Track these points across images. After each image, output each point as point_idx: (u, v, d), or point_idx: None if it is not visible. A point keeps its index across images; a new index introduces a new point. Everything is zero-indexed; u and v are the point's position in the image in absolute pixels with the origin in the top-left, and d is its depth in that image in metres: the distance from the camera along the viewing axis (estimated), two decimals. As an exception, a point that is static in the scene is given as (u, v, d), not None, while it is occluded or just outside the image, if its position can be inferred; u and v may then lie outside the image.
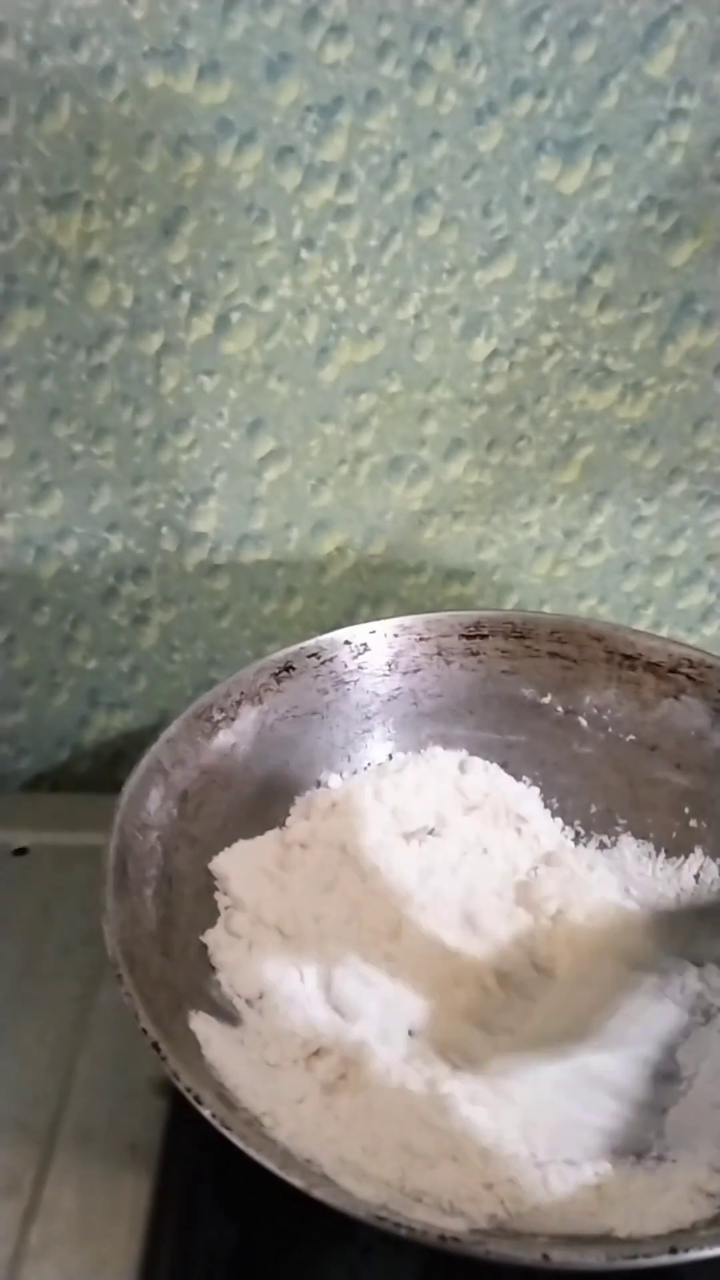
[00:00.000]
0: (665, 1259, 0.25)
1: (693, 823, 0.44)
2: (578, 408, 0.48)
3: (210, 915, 0.40)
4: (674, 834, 0.44)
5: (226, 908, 0.40)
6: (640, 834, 0.45)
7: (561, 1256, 0.25)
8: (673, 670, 0.44)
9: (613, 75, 0.42)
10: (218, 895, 0.41)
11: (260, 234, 0.45)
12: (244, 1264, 0.39)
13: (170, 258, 0.45)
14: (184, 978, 0.37)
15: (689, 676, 0.43)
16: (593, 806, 0.46)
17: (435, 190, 0.44)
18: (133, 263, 0.45)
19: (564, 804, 0.46)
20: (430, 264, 0.45)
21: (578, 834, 0.46)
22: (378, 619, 0.48)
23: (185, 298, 0.46)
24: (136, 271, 0.46)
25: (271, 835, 0.43)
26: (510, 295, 0.46)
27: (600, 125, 0.43)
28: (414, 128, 0.43)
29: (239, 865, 0.41)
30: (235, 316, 0.46)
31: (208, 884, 0.41)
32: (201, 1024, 0.36)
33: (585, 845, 0.45)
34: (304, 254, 0.45)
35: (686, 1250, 0.25)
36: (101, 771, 0.57)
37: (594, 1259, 0.25)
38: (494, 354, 0.47)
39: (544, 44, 0.42)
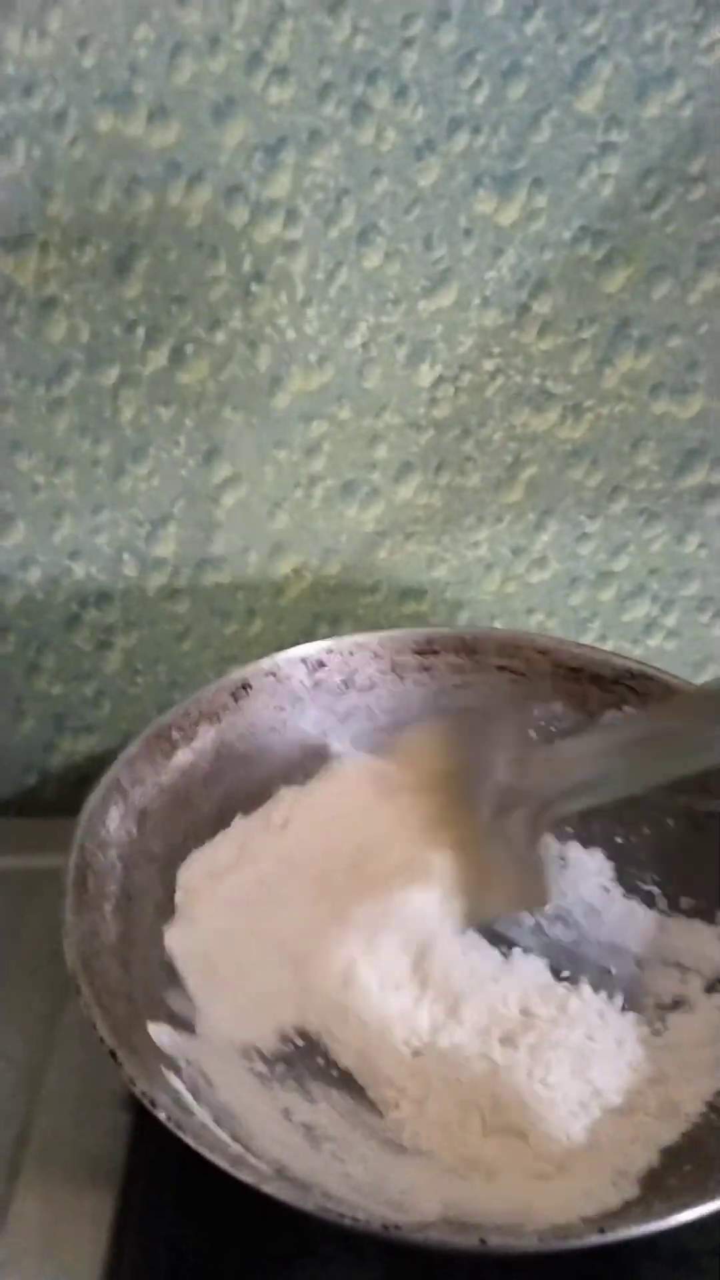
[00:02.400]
0: (595, 1239, 0.26)
1: (645, 829, 0.45)
2: (521, 430, 0.50)
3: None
4: (618, 839, 0.45)
5: (185, 921, 0.41)
6: (586, 843, 0.46)
7: (498, 1241, 0.26)
8: (615, 682, 0.45)
9: (544, 112, 0.44)
10: (178, 906, 0.42)
11: (211, 269, 0.47)
12: (210, 1273, 0.40)
13: (125, 294, 0.47)
14: (143, 990, 0.38)
15: (630, 688, 0.45)
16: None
17: (378, 224, 0.46)
18: (89, 299, 0.47)
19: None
20: (375, 295, 0.47)
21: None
22: (335, 637, 0.49)
23: (140, 332, 0.48)
24: (93, 308, 0.47)
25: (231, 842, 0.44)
26: (453, 323, 0.48)
27: (534, 160, 0.45)
28: (356, 165, 0.45)
29: (199, 877, 0.42)
30: (189, 349, 0.48)
31: (168, 899, 0.42)
32: (163, 1034, 0.37)
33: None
34: (254, 287, 0.47)
35: (614, 1230, 0.26)
36: (68, 795, 0.58)
37: (528, 1242, 0.26)
38: (439, 380, 0.49)
39: (478, 83, 0.44)
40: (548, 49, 0.43)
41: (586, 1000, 0.40)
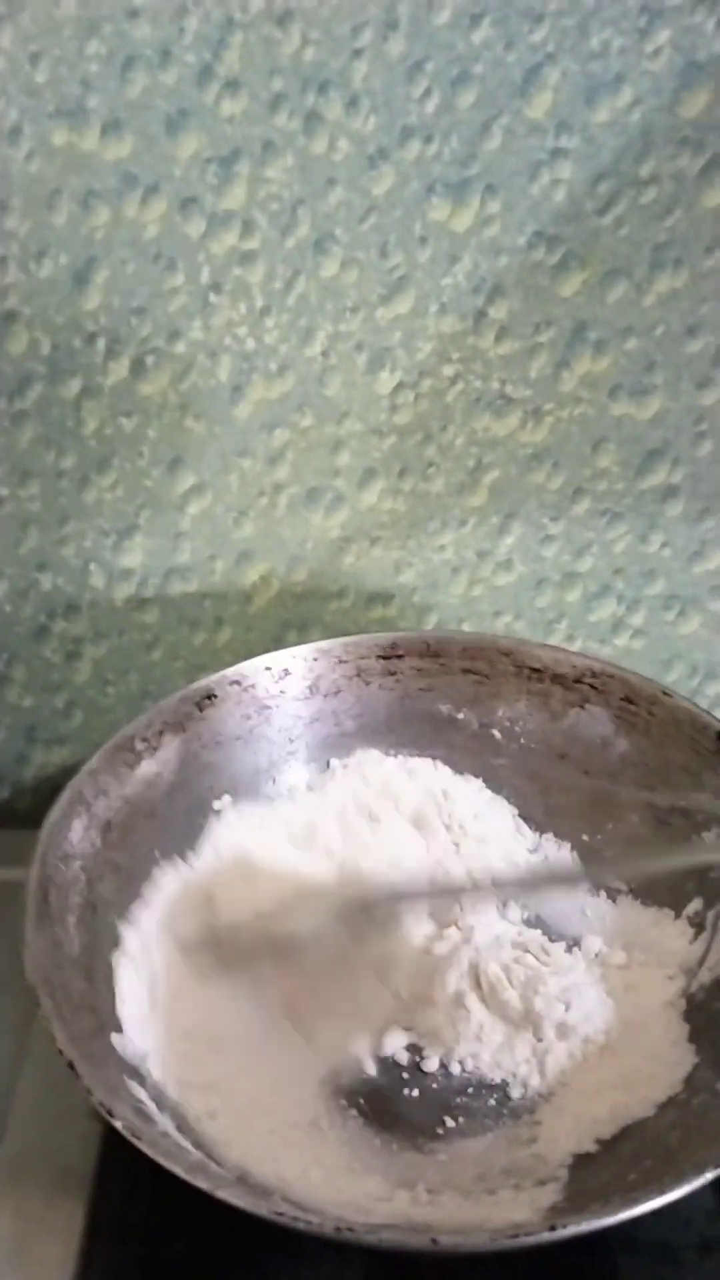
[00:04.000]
0: (546, 1235, 0.26)
1: (610, 826, 0.45)
2: (482, 434, 0.50)
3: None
4: (583, 836, 0.45)
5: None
6: (559, 838, 0.46)
7: (448, 1240, 0.26)
8: (577, 681, 0.45)
9: (495, 119, 0.44)
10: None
11: (169, 280, 0.47)
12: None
13: (84, 306, 0.47)
14: (108, 1001, 0.38)
15: (592, 686, 0.45)
16: (515, 812, 0.47)
17: (334, 233, 0.46)
18: (48, 312, 0.47)
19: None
20: (333, 303, 0.47)
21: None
22: (304, 644, 0.49)
23: (101, 343, 0.48)
24: (53, 320, 0.47)
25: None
26: (411, 330, 0.48)
27: (486, 166, 0.45)
28: (310, 175, 0.45)
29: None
30: (150, 360, 0.48)
31: (132, 910, 0.42)
32: (128, 1044, 0.37)
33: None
34: (212, 298, 0.47)
35: (565, 1226, 0.27)
36: (42, 807, 0.56)
37: (479, 1240, 0.27)
38: (399, 386, 0.49)
39: (428, 92, 0.44)
40: (496, 57, 0.43)
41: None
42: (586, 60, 0.43)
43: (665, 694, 0.44)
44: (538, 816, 0.46)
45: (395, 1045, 0.40)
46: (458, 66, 0.44)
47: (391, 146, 0.45)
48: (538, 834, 0.47)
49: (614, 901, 0.44)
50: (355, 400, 0.49)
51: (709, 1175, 0.29)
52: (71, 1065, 0.32)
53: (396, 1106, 0.39)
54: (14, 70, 0.43)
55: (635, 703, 0.44)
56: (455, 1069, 0.39)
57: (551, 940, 0.43)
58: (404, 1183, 0.34)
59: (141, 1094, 0.35)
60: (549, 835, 0.46)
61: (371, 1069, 0.39)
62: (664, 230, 0.46)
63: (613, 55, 0.43)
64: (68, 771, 0.57)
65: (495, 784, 0.47)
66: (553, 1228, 0.26)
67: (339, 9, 0.43)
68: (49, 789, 0.58)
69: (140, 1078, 0.36)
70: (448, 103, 0.44)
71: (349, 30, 0.43)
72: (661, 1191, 0.28)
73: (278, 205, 0.46)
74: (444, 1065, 0.39)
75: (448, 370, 0.49)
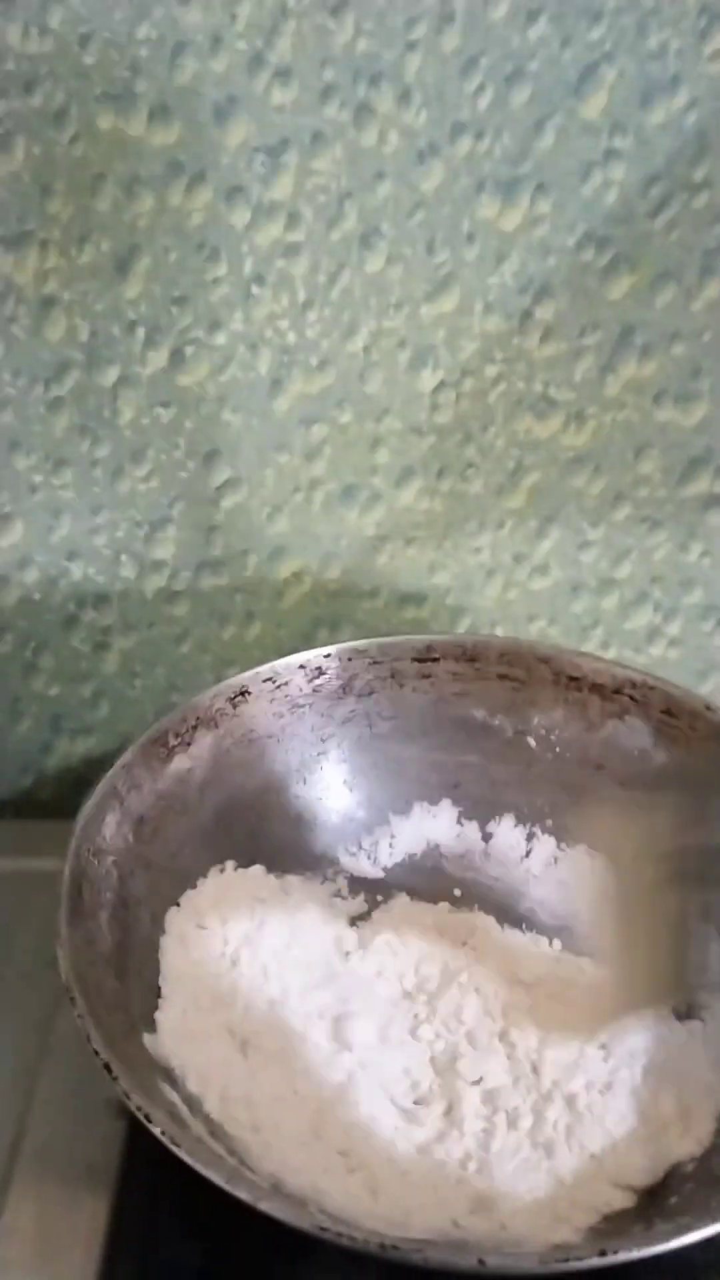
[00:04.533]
0: (596, 1261, 0.26)
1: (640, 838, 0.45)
2: (523, 436, 0.50)
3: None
4: (617, 850, 0.45)
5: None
6: (591, 849, 0.46)
7: (496, 1262, 0.26)
8: (616, 691, 0.45)
9: (548, 117, 0.44)
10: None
11: (212, 270, 0.46)
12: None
13: (125, 293, 0.46)
14: (139, 1000, 0.38)
15: (631, 697, 0.44)
16: (548, 821, 0.47)
17: (380, 228, 0.46)
18: (88, 299, 0.46)
19: (515, 821, 0.47)
20: (377, 299, 0.47)
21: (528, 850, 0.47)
22: (335, 642, 0.49)
23: (140, 332, 0.47)
24: (92, 307, 0.47)
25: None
26: (455, 329, 0.47)
27: (538, 165, 0.45)
28: (358, 168, 0.45)
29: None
30: (189, 350, 0.48)
31: (165, 908, 0.42)
32: (159, 1045, 0.36)
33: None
34: (255, 289, 0.47)
35: (615, 1252, 0.26)
36: (65, 797, 0.57)
37: (528, 1263, 0.26)
38: (441, 385, 0.49)
39: (481, 88, 0.43)
40: (551, 54, 0.43)
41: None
42: (644, 60, 0.43)
43: (708, 708, 0.43)
44: (571, 827, 0.46)
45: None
46: (512, 63, 0.43)
47: (442, 142, 0.44)
48: (569, 844, 0.46)
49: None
50: (396, 398, 0.49)
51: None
52: (108, 1069, 0.32)
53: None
54: (62, 52, 0.42)
55: (676, 716, 0.43)
56: None
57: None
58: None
59: (174, 1096, 0.34)
60: (582, 846, 0.46)
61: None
62: (715, 236, 0.46)
63: (670, 56, 0.43)
64: (91, 762, 0.57)
65: (529, 793, 0.47)
66: (603, 1252, 0.26)
67: (394, 0, 0.42)
68: (72, 779, 0.57)
69: (172, 1080, 0.35)
70: (501, 99, 0.43)
71: (403, 22, 0.42)
72: (715, 1219, 0.28)
73: (324, 197, 0.45)
74: None
75: (491, 370, 0.48)
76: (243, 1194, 0.29)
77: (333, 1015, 0.40)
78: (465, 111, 0.44)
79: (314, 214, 0.45)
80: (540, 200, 0.45)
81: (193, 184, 0.45)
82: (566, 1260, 0.26)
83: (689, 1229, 0.27)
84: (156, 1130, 0.30)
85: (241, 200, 0.45)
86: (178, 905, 0.42)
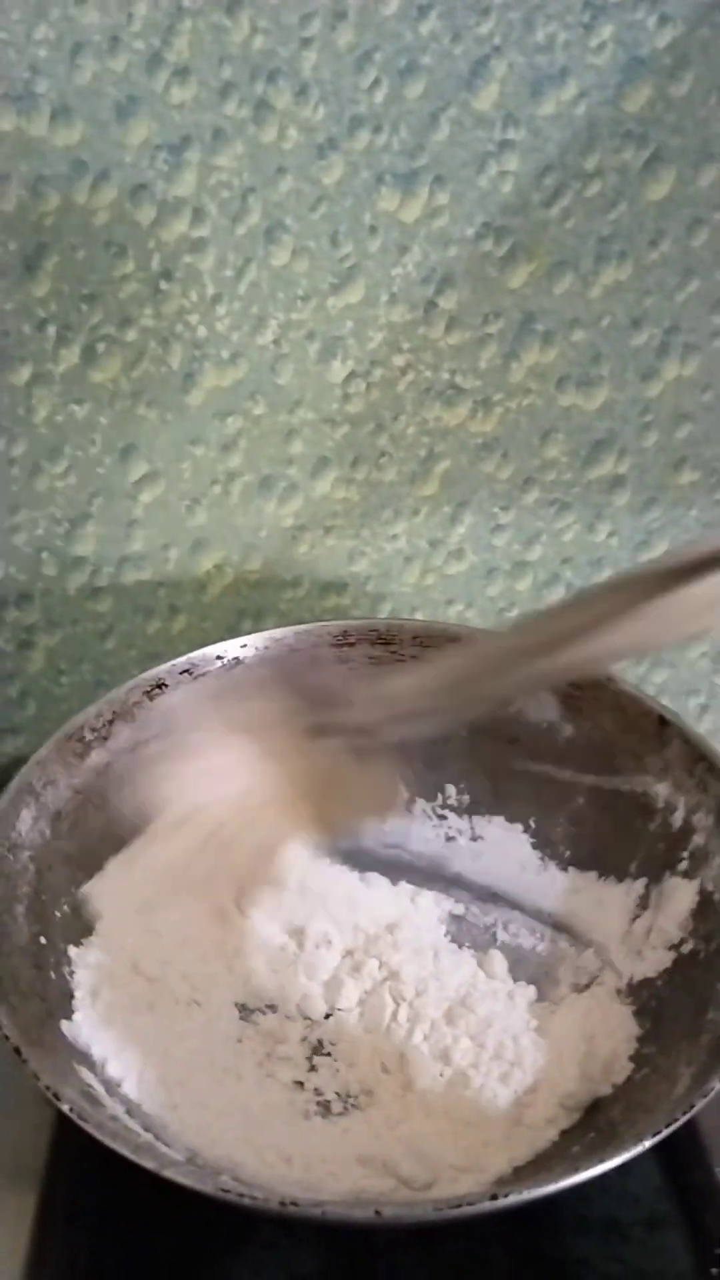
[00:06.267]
0: (488, 1205, 0.27)
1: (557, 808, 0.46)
2: (433, 424, 0.51)
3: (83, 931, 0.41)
4: (532, 820, 0.46)
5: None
6: (509, 821, 0.47)
7: (392, 1212, 0.27)
8: (524, 666, 0.46)
9: (443, 110, 0.45)
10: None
11: (120, 267, 0.47)
12: (139, 1270, 0.40)
13: (34, 292, 0.47)
14: (56, 989, 0.38)
15: (539, 673, 0.46)
16: (463, 798, 0.48)
17: (284, 222, 0.46)
18: (-2, 298, 0.47)
19: (434, 798, 0.49)
20: (285, 292, 0.48)
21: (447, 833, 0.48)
22: (258, 632, 0.49)
23: (51, 330, 0.48)
24: (2, 306, 0.47)
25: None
26: (362, 320, 0.48)
27: (434, 157, 0.46)
28: (260, 163, 0.45)
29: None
30: (101, 346, 0.48)
31: (83, 901, 0.42)
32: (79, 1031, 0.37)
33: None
34: (163, 285, 0.47)
35: (506, 1196, 0.27)
36: None
37: (422, 1211, 0.27)
38: (351, 375, 0.50)
39: (377, 82, 0.44)
40: (443, 49, 0.44)
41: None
42: (532, 54, 0.44)
43: (610, 680, 0.44)
44: (487, 800, 0.47)
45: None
46: (406, 57, 0.44)
47: (341, 136, 0.45)
48: (487, 817, 0.47)
49: (564, 871, 0.45)
50: (307, 389, 0.50)
51: (646, 1144, 0.30)
52: (18, 1050, 0.32)
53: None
54: (-40, 54, 0.43)
55: (581, 688, 0.45)
56: None
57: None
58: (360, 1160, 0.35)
59: (91, 1079, 0.35)
60: (499, 818, 0.47)
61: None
62: (608, 223, 0.47)
63: (558, 49, 0.44)
64: (20, 762, 0.56)
65: (446, 770, 0.48)
66: (494, 1197, 0.27)
67: (288, -2, 0.43)
68: (2, 780, 0.57)
69: (91, 1065, 0.36)
70: (396, 93, 0.44)
71: (298, 19, 0.43)
72: (601, 1160, 0.29)
73: (228, 193, 0.46)
74: None
75: (399, 360, 0.49)
76: (148, 1163, 0.29)
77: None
78: (362, 106, 0.45)
79: (218, 209, 0.46)
80: (438, 192, 0.46)
81: (97, 182, 0.45)
82: (459, 1207, 0.27)
83: (575, 1172, 0.28)
84: (64, 1107, 0.31)
85: (146, 197, 0.46)
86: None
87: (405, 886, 0.47)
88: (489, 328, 0.49)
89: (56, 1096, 0.31)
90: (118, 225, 0.46)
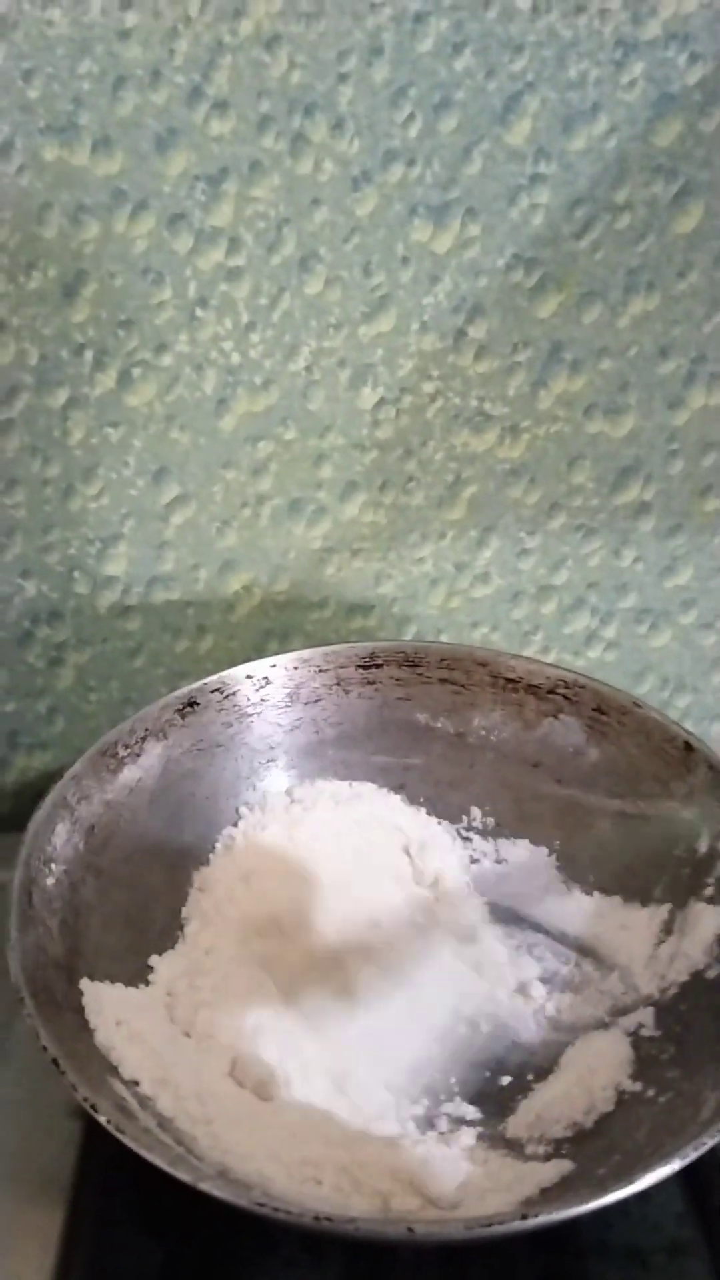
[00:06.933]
0: (518, 1225, 0.27)
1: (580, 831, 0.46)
2: (461, 450, 0.51)
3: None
4: (557, 843, 0.46)
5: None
6: (533, 844, 0.48)
7: (424, 1230, 0.27)
8: (550, 691, 0.46)
9: (475, 144, 0.46)
10: None
11: (157, 295, 0.48)
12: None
13: (72, 318, 0.48)
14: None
15: (565, 697, 0.46)
16: (488, 821, 0.48)
17: (318, 252, 0.47)
18: (36, 323, 0.48)
19: (458, 820, 0.49)
20: (317, 320, 0.49)
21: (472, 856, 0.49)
22: (285, 653, 0.50)
23: (88, 355, 0.49)
24: (40, 331, 0.48)
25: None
26: (393, 348, 0.49)
27: (467, 190, 0.47)
28: (295, 195, 0.46)
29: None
30: (136, 371, 0.49)
31: (115, 915, 0.43)
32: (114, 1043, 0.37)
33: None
34: (199, 312, 0.48)
35: (536, 1216, 0.28)
36: (23, 812, 0.57)
37: (453, 1230, 0.27)
38: (381, 402, 0.50)
39: (411, 117, 0.45)
40: (477, 84, 0.45)
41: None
42: (564, 90, 0.45)
43: (636, 705, 0.45)
44: (512, 823, 0.47)
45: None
46: (440, 93, 0.45)
47: (375, 169, 0.46)
48: (512, 840, 0.48)
49: (589, 895, 0.46)
50: (338, 415, 0.50)
51: (675, 1165, 0.30)
52: (56, 1062, 0.32)
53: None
54: (7, 86, 0.44)
55: (606, 713, 0.45)
56: None
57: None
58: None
59: (124, 1092, 0.35)
60: (524, 841, 0.47)
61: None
62: (637, 255, 0.48)
63: (590, 85, 0.45)
64: (49, 776, 0.58)
65: (470, 792, 0.48)
66: (524, 1217, 0.27)
67: (325, 35, 0.44)
68: (31, 794, 0.58)
69: (123, 1078, 0.36)
70: (430, 128, 0.45)
71: (335, 55, 0.44)
72: (630, 1183, 0.29)
73: (264, 224, 0.47)
74: None
75: (428, 387, 0.50)
76: (184, 1176, 0.30)
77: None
78: (396, 140, 0.46)
79: (254, 239, 0.47)
80: (470, 224, 0.47)
81: (136, 211, 0.46)
82: (490, 1225, 0.27)
83: (604, 1193, 0.29)
84: (102, 1119, 0.31)
85: (184, 227, 0.47)
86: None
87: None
88: (518, 356, 0.50)
89: (94, 1108, 0.31)
90: (155, 253, 0.47)
